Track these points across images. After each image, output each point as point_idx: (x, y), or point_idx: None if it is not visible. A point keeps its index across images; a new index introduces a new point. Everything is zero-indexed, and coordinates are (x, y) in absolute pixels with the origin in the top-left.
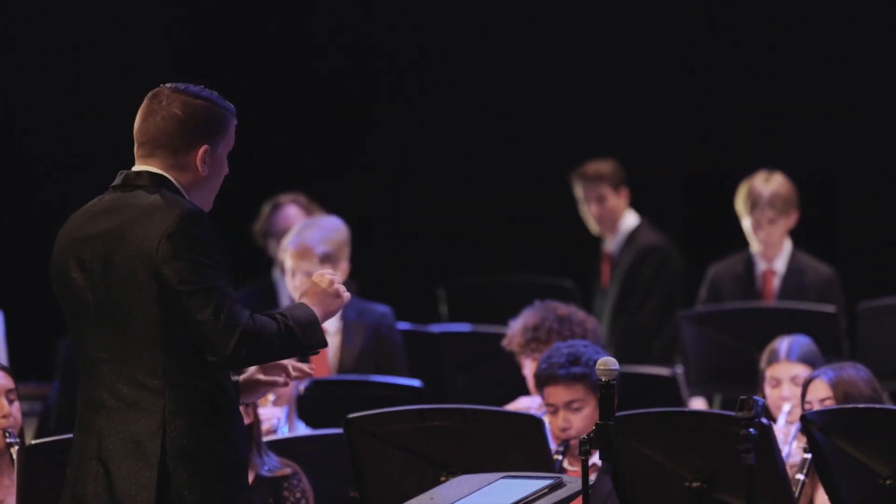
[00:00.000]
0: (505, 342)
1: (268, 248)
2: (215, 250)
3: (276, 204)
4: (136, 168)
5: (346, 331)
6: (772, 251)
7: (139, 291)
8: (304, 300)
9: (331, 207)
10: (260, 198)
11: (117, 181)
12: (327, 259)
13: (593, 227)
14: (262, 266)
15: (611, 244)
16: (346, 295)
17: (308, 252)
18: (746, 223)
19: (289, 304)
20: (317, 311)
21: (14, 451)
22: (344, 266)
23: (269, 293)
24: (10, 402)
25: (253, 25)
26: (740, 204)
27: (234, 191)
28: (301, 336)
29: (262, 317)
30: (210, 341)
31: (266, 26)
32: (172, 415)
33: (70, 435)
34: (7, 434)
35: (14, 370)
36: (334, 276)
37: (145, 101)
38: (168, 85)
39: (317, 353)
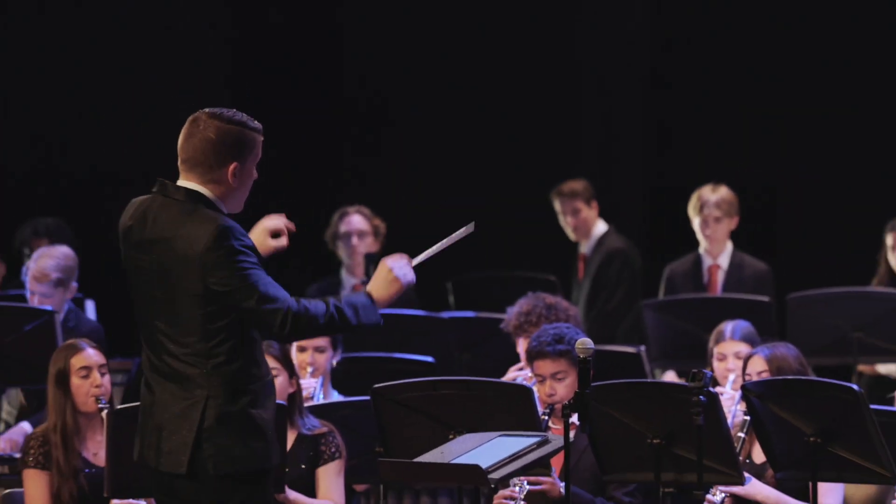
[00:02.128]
0: (502, 325)
1: (336, 250)
2: (247, 252)
3: (343, 213)
4: (179, 182)
5: None
6: (716, 249)
7: (185, 291)
8: (369, 286)
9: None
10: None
11: (156, 188)
12: (60, 283)
13: (570, 234)
14: (332, 266)
15: (585, 247)
16: (407, 279)
17: (44, 277)
18: (696, 223)
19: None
20: (376, 294)
21: (104, 413)
22: (73, 287)
23: (336, 287)
24: (102, 374)
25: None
26: (691, 208)
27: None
28: (352, 315)
29: (312, 300)
30: (261, 324)
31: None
32: (215, 388)
33: None
34: (99, 400)
35: (104, 349)
36: (395, 264)
37: (186, 124)
38: (205, 110)
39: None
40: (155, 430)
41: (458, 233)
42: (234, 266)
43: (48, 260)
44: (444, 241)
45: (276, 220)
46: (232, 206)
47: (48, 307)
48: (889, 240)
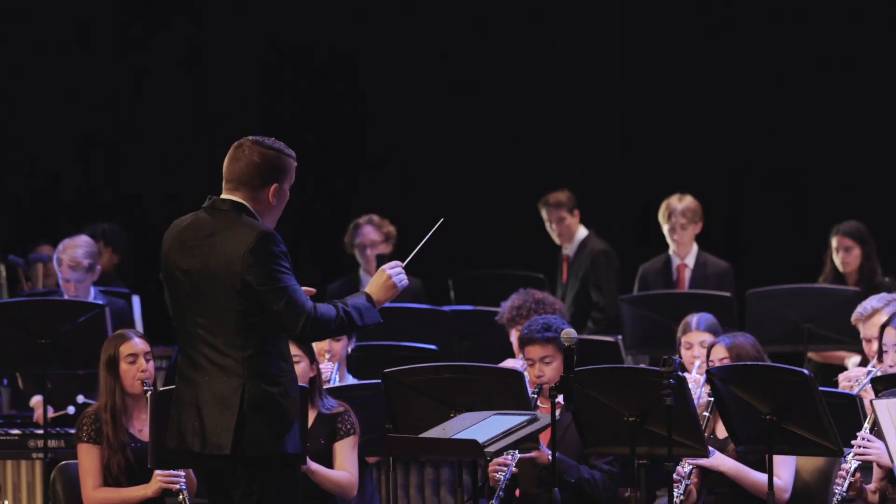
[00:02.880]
0: (497, 318)
1: (354, 253)
2: (283, 259)
3: (356, 225)
4: (224, 196)
5: None
6: (683, 250)
7: (225, 288)
8: (368, 289)
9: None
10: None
11: (206, 203)
12: (91, 268)
13: (555, 239)
14: (350, 266)
15: (568, 249)
16: (402, 284)
17: (78, 265)
18: (665, 228)
19: (354, 293)
20: (376, 297)
21: (148, 395)
22: (98, 270)
23: (356, 284)
24: (147, 360)
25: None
26: (661, 216)
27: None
28: (357, 317)
29: (326, 305)
30: (284, 325)
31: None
32: (249, 377)
33: None
34: (144, 383)
35: (148, 337)
36: (392, 271)
37: (232, 149)
38: (249, 138)
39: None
40: (196, 417)
41: (431, 231)
42: (270, 269)
43: (77, 249)
44: (423, 241)
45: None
46: (269, 223)
47: (100, 301)
48: (833, 242)
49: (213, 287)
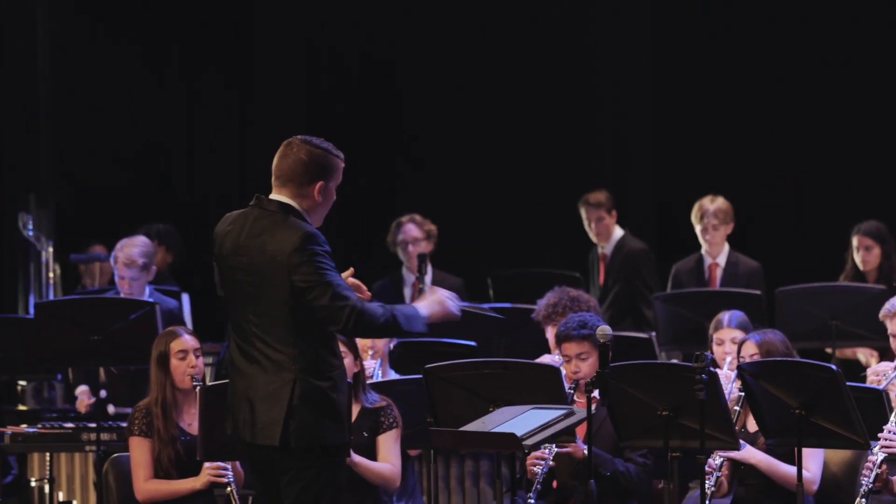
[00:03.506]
0: (534, 315)
1: (397, 251)
2: (326, 258)
3: (398, 223)
4: (272, 196)
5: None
6: (715, 250)
7: (274, 287)
8: (422, 301)
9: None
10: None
11: (253, 202)
12: (145, 267)
13: (593, 238)
14: (394, 265)
15: (605, 248)
16: (454, 311)
17: (132, 263)
18: (698, 229)
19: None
20: (426, 311)
21: (198, 390)
22: (153, 270)
23: (398, 283)
24: (196, 356)
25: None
26: (694, 217)
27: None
28: (403, 322)
29: (375, 304)
30: (329, 318)
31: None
32: (300, 372)
33: None
34: (194, 378)
35: (197, 334)
36: (447, 295)
37: (281, 147)
38: (298, 137)
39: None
40: (248, 408)
41: (491, 313)
42: (314, 267)
43: (133, 248)
44: (481, 310)
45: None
46: (315, 220)
47: (150, 299)
48: (854, 241)
49: (263, 285)
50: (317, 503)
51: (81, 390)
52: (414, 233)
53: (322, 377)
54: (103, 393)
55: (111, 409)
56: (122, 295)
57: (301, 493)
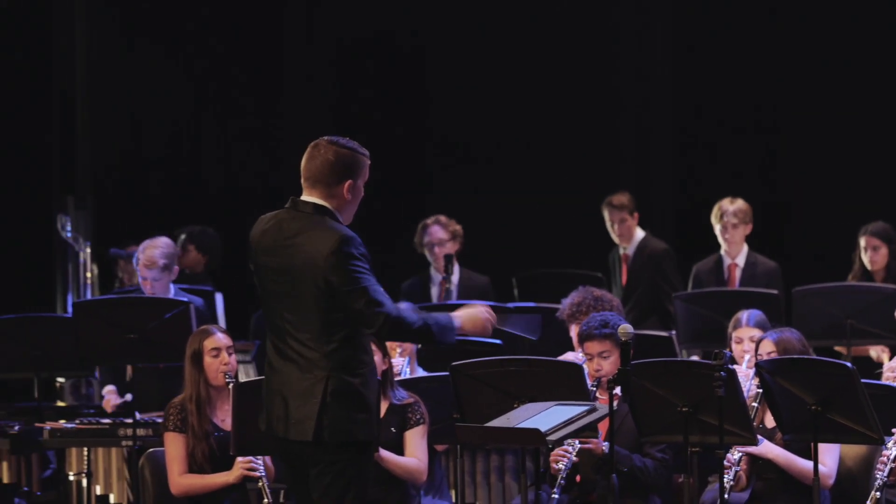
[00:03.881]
0: (558, 314)
1: (424, 252)
2: (363, 261)
3: (424, 225)
4: (304, 197)
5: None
6: (734, 250)
7: (309, 287)
8: (459, 312)
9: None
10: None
11: (289, 204)
12: (166, 268)
13: (615, 239)
14: (422, 264)
15: (627, 249)
16: (489, 329)
17: (153, 263)
18: (717, 229)
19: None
20: (459, 323)
21: (231, 386)
22: (175, 270)
23: (426, 282)
24: (229, 354)
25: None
26: (713, 217)
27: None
28: (436, 332)
29: (411, 311)
30: (364, 321)
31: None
32: (333, 369)
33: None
34: (227, 376)
35: (230, 333)
36: (489, 313)
37: (308, 148)
38: (325, 138)
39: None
40: (282, 404)
41: (523, 334)
42: (351, 270)
43: (154, 250)
44: (515, 330)
45: None
46: (346, 218)
47: (184, 297)
48: (862, 242)
49: (299, 285)
50: (344, 496)
51: (108, 390)
52: (439, 234)
53: (353, 374)
54: (129, 396)
55: (137, 415)
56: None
57: (329, 487)
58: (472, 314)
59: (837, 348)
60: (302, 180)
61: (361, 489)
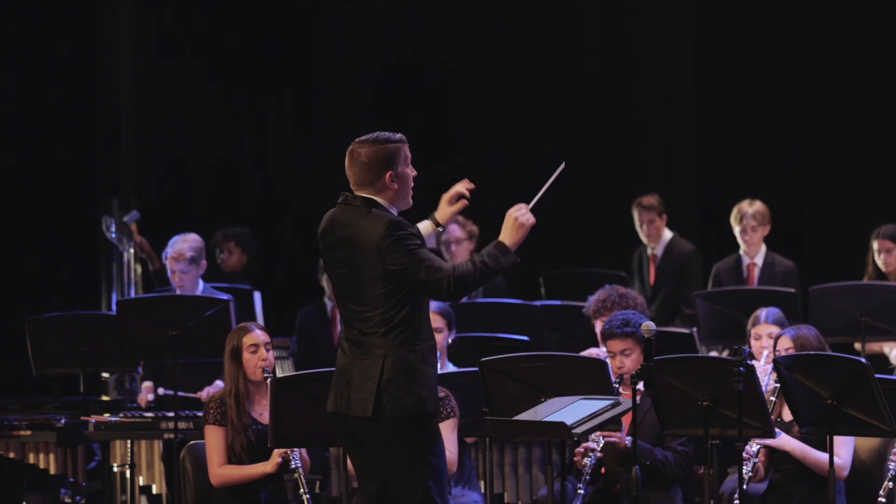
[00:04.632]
0: (584, 310)
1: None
2: (413, 237)
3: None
4: (355, 193)
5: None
6: (753, 250)
7: (368, 274)
8: (501, 236)
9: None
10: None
11: (340, 199)
12: (193, 260)
13: (644, 239)
14: None
15: (656, 249)
16: (530, 222)
17: (181, 256)
18: (737, 231)
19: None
20: (509, 241)
21: (268, 381)
22: (203, 264)
23: None
24: (267, 350)
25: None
26: (733, 219)
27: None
28: (493, 263)
29: (462, 263)
30: (431, 289)
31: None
32: (391, 348)
33: (302, 372)
34: (265, 371)
35: (268, 329)
36: (517, 213)
37: (346, 156)
38: (355, 141)
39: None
40: (346, 384)
41: (554, 175)
42: (403, 249)
43: (183, 244)
44: (547, 183)
45: (455, 188)
46: (401, 205)
47: (224, 296)
48: (875, 245)
49: (357, 273)
50: (413, 469)
51: (146, 386)
52: (457, 233)
53: (411, 350)
54: (161, 390)
55: (160, 391)
56: (175, 290)
57: (395, 462)
58: (506, 227)
59: (857, 345)
60: (351, 185)
61: (433, 459)
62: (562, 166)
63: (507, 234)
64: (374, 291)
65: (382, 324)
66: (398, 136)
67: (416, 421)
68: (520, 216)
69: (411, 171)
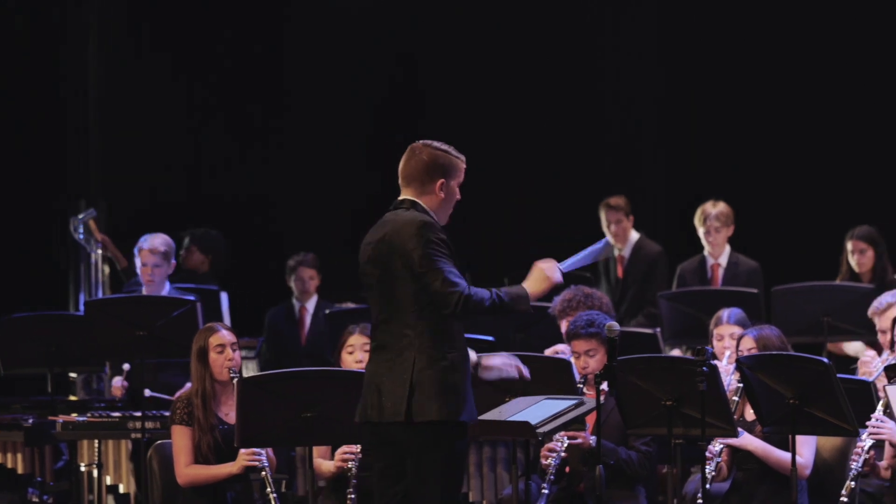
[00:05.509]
0: (550, 309)
1: None
2: (441, 245)
3: None
4: (401, 197)
5: None
6: (717, 251)
7: (397, 275)
8: (525, 283)
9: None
10: None
11: (392, 206)
12: (166, 256)
13: (611, 239)
14: None
15: (623, 251)
16: (556, 278)
17: (155, 250)
18: (701, 232)
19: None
20: (531, 290)
21: (235, 382)
22: (173, 263)
23: None
24: (234, 350)
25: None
26: (697, 220)
27: None
28: (509, 301)
29: (480, 288)
30: (440, 301)
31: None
32: (420, 353)
33: (268, 372)
34: (231, 371)
35: (235, 330)
36: (545, 266)
37: (406, 152)
38: (421, 141)
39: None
40: (376, 392)
41: (596, 249)
42: (428, 253)
43: (155, 239)
44: (585, 255)
45: None
46: (441, 218)
47: (190, 297)
48: (849, 245)
49: (388, 276)
50: (439, 477)
51: (116, 379)
52: None
53: (442, 357)
54: (147, 392)
55: (147, 392)
56: (143, 285)
57: (422, 468)
58: (532, 276)
59: (829, 347)
60: (399, 180)
61: (458, 468)
62: (603, 242)
63: (532, 284)
64: (402, 292)
65: (412, 327)
66: (461, 154)
67: (443, 429)
68: (547, 269)
69: (458, 192)
